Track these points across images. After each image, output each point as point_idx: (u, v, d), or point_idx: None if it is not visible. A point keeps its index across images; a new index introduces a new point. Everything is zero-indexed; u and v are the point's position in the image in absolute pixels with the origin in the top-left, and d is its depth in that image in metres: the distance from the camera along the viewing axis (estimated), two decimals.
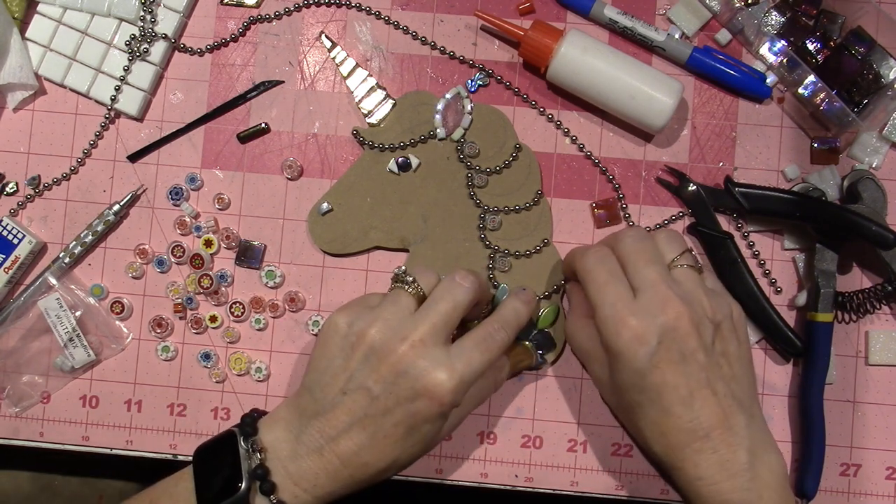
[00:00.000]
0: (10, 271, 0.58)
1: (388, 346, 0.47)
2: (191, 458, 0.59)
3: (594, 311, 0.48)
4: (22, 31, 0.60)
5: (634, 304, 0.47)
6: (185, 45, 0.60)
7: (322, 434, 0.47)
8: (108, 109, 0.60)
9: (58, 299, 0.58)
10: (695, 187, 0.58)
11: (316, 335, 0.59)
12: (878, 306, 0.57)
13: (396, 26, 0.60)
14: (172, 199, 0.59)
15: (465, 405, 0.50)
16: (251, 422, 0.49)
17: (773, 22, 0.57)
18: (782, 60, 0.58)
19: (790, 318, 0.58)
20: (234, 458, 0.47)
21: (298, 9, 0.60)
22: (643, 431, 0.49)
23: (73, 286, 0.59)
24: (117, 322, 0.60)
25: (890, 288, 0.56)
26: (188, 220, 0.59)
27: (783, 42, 0.57)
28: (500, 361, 0.53)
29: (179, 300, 0.59)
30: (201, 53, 0.60)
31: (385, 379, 0.46)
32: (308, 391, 0.49)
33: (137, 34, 0.59)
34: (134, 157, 0.60)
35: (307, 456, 0.47)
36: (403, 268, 0.54)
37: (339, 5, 0.60)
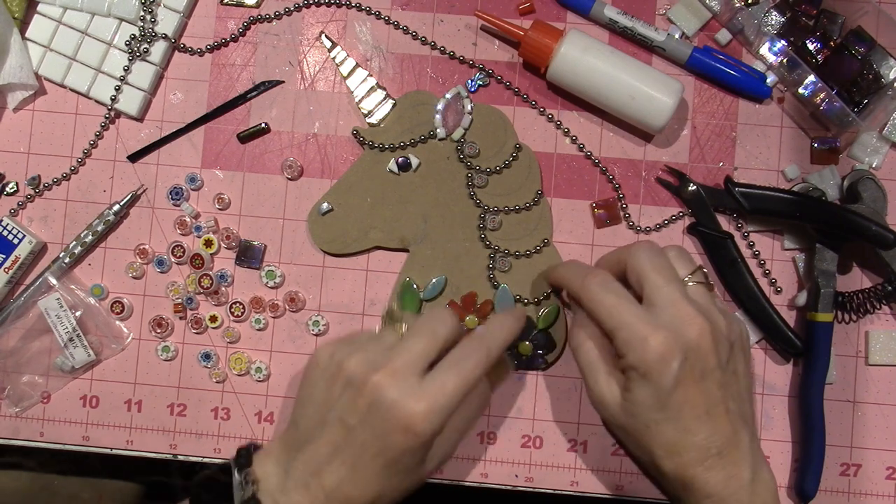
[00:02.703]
0: (10, 271, 0.58)
1: (362, 377, 0.46)
2: (190, 459, 0.59)
3: (613, 335, 0.48)
4: (22, 31, 0.60)
5: (655, 321, 0.46)
6: (185, 45, 0.60)
7: (307, 467, 0.47)
8: (108, 109, 0.60)
9: (58, 299, 0.58)
10: (695, 187, 0.58)
11: (317, 335, 0.59)
12: (878, 306, 0.57)
13: (396, 26, 0.60)
14: (172, 199, 0.59)
15: (451, 432, 0.49)
16: (246, 454, 0.49)
17: (773, 22, 0.57)
18: (782, 60, 0.58)
19: (790, 318, 0.58)
20: (229, 490, 0.47)
21: (298, 9, 0.60)
22: (655, 451, 0.48)
23: (73, 286, 0.59)
24: (117, 322, 0.60)
25: (890, 288, 0.56)
26: (188, 220, 0.59)
27: (783, 42, 0.57)
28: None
29: (179, 300, 0.59)
30: (201, 53, 0.60)
31: (360, 410, 0.46)
32: (294, 424, 0.49)
33: (137, 34, 0.59)
34: (134, 157, 0.60)
35: (295, 490, 0.47)
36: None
37: (339, 5, 0.60)
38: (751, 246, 0.58)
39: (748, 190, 0.56)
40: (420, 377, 0.47)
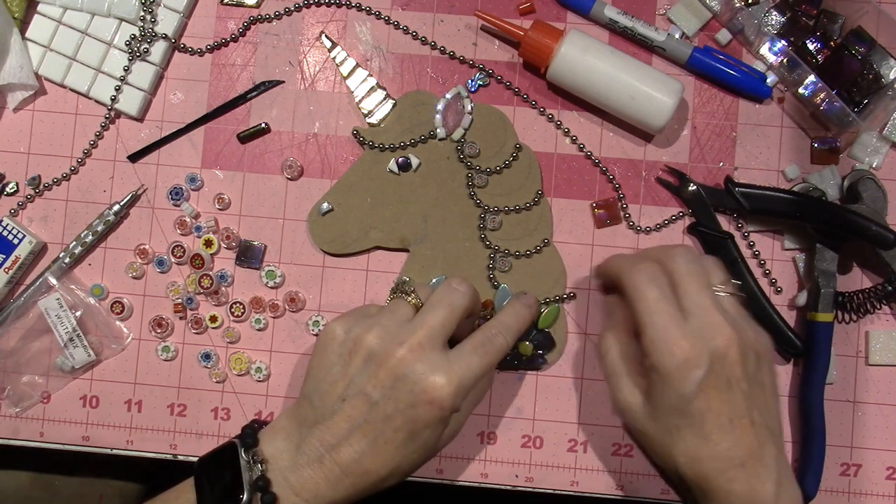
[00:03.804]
0: (10, 271, 0.58)
1: (385, 351, 0.47)
2: (190, 459, 0.59)
3: (642, 331, 0.47)
4: (22, 31, 0.60)
5: (685, 327, 0.46)
6: (185, 45, 0.60)
7: (322, 442, 0.47)
8: (108, 109, 0.60)
9: (58, 299, 0.58)
10: (695, 187, 0.58)
11: (316, 335, 0.59)
12: (878, 306, 0.57)
13: (396, 26, 0.60)
14: (172, 199, 0.59)
15: (465, 410, 0.50)
16: (252, 433, 0.49)
17: (773, 22, 0.57)
18: (782, 60, 0.58)
19: (790, 318, 0.58)
20: (235, 470, 0.47)
21: (298, 9, 0.60)
22: (677, 458, 0.47)
23: (73, 286, 0.59)
24: (117, 322, 0.60)
25: (890, 288, 0.56)
26: (188, 220, 0.59)
27: (783, 42, 0.57)
28: None
29: (179, 300, 0.59)
30: (201, 53, 0.60)
31: (384, 384, 0.46)
32: (307, 400, 0.49)
33: (137, 34, 0.59)
34: (134, 157, 0.60)
35: (308, 466, 0.47)
36: (405, 277, 0.54)
37: (339, 5, 0.60)
38: (751, 246, 0.58)
39: (748, 190, 0.56)
40: (443, 350, 0.48)
